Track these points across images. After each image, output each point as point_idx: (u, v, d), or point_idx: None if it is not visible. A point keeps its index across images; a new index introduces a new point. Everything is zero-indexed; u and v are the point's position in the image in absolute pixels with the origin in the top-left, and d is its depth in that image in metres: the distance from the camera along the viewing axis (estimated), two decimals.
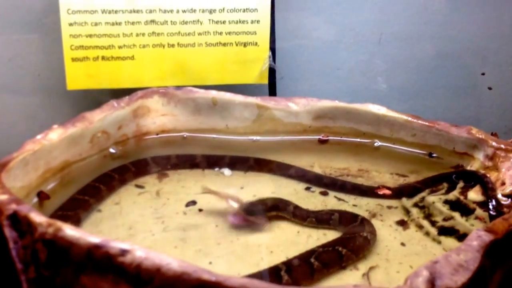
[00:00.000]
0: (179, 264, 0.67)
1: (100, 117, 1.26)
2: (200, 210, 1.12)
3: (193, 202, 1.14)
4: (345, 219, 1.07)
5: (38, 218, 0.75)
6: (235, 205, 1.08)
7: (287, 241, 1.02)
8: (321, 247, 0.96)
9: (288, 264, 0.90)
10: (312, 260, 0.91)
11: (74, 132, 1.19)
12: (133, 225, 1.05)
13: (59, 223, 0.73)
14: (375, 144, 1.40)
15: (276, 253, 0.97)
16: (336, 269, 0.92)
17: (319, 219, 1.07)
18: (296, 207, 1.10)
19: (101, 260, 0.70)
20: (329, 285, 0.89)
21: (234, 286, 0.65)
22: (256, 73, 1.57)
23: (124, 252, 0.68)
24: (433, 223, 1.07)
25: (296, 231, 1.06)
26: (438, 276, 0.69)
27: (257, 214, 1.07)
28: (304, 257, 0.92)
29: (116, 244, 0.69)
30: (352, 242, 0.96)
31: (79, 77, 1.49)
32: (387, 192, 1.20)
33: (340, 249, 0.94)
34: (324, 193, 1.21)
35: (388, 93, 1.79)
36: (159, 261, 0.67)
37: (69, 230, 0.72)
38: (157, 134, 1.42)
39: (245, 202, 1.09)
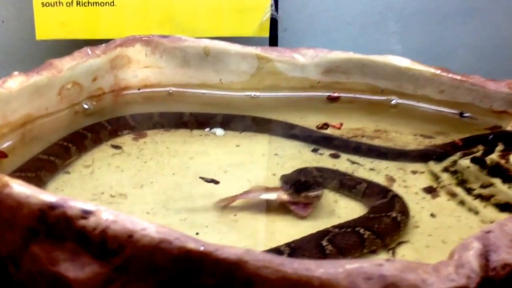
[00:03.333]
0: (157, 229, 0.56)
1: (71, 65, 1.16)
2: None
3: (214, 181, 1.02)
4: (372, 192, 0.95)
5: None
6: (273, 195, 0.93)
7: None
8: (337, 227, 0.83)
9: (292, 247, 0.78)
10: (324, 243, 0.79)
11: (38, 81, 1.09)
12: (107, 189, 0.98)
13: (6, 178, 0.62)
14: (392, 102, 1.31)
15: (277, 222, 0.89)
16: (355, 256, 0.81)
17: (342, 184, 0.98)
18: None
19: (57, 224, 0.58)
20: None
21: (228, 258, 0.54)
22: (256, 24, 1.47)
23: (86, 214, 0.57)
24: (468, 191, 0.97)
25: None
26: (493, 249, 0.58)
27: (308, 186, 0.93)
28: (315, 239, 0.80)
29: (76, 204, 0.58)
30: (377, 223, 0.84)
31: (50, 25, 1.40)
32: (337, 126, 1.18)
33: (361, 231, 0.82)
34: (335, 156, 1.11)
35: (404, 52, 1.66)
36: (131, 225, 0.56)
37: (17, 187, 0.61)
38: (139, 89, 1.33)
39: (283, 177, 0.98)
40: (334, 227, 0.84)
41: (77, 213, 0.57)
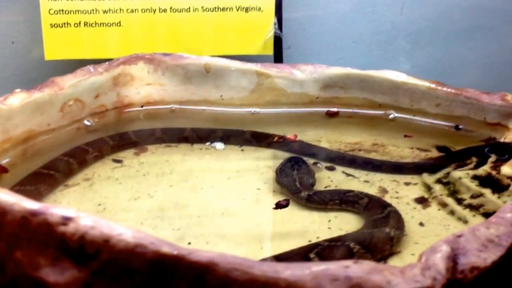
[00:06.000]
0: (133, 234, 0.57)
1: (73, 83, 1.18)
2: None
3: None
4: (372, 206, 0.94)
5: None
6: None
7: (286, 219, 0.96)
8: (327, 240, 0.83)
9: (279, 259, 0.78)
10: (312, 255, 0.79)
11: (40, 97, 1.11)
12: (104, 201, 0.99)
13: None
14: (390, 116, 1.32)
15: (275, 237, 0.91)
16: None
17: (344, 201, 0.97)
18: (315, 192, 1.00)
19: (39, 231, 0.60)
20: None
21: (200, 261, 0.55)
22: (260, 43, 1.48)
23: (66, 220, 0.59)
24: (459, 201, 0.98)
25: (301, 212, 0.98)
26: (461, 253, 0.58)
27: None
28: (303, 252, 0.80)
29: (57, 211, 0.59)
30: (369, 239, 0.83)
31: (58, 45, 1.42)
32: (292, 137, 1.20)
33: (352, 245, 0.81)
34: (331, 168, 1.12)
35: (411, 70, 1.66)
36: (108, 230, 0.57)
37: (2, 195, 0.63)
38: (142, 106, 1.34)
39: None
40: (325, 240, 0.83)
41: (58, 219, 0.58)
